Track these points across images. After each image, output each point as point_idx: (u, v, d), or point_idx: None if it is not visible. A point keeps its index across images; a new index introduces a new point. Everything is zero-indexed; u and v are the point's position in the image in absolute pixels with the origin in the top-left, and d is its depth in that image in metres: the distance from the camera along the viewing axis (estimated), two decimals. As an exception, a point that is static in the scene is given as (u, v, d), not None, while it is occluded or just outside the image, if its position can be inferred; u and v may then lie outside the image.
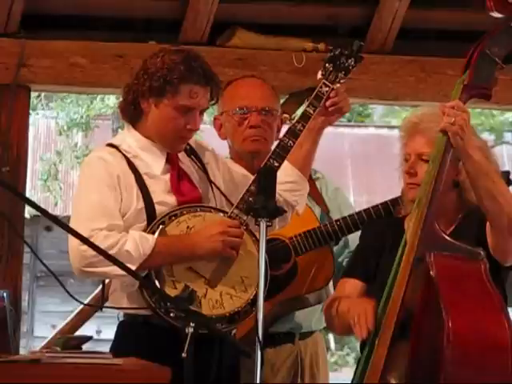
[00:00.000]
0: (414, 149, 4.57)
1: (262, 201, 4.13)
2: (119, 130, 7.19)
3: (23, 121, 7.48)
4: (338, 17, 7.38)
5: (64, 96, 18.13)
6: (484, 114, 20.89)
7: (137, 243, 4.47)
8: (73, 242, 4.41)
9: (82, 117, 19.54)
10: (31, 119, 10.19)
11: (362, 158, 21.72)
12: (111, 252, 4.27)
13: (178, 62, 4.56)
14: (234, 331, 4.60)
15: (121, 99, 4.78)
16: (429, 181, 4.45)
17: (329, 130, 5.24)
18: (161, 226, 4.54)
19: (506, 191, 4.65)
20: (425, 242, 4.38)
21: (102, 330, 7.05)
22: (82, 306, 7.69)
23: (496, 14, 4.57)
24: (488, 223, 4.52)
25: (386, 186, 12.57)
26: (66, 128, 20.40)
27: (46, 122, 22.71)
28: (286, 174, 4.63)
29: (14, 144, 7.27)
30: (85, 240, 4.03)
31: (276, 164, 4.54)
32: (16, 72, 7.12)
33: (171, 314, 4.39)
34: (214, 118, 5.57)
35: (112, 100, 17.47)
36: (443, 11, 7.66)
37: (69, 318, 8.00)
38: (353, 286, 4.74)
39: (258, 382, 4.22)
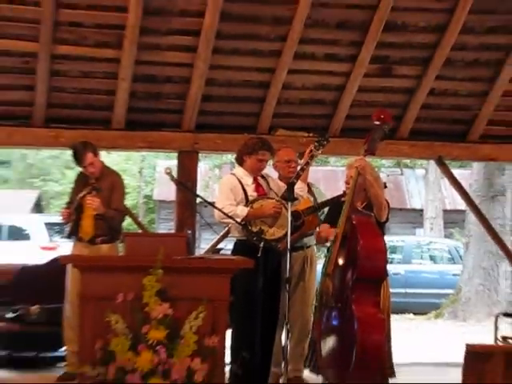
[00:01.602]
0: (348, 174, 8.64)
1: (289, 195, 8.36)
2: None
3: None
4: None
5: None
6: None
7: (241, 210, 8.68)
8: (215, 210, 8.68)
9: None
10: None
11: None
12: (231, 214, 8.60)
13: (257, 142, 8.99)
14: (279, 246, 8.60)
15: (235, 155, 9.24)
16: (352, 187, 8.38)
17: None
18: (250, 204, 8.80)
19: (380, 193, 8.68)
20: (351, 210, 8.34)
21: (223, 247, 9.97)
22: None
23: (376, 122, 8.35)
24: (374, 204, 8.64)
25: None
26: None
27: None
28: (298, 185, 8.80)
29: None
30: (221, 210, 8.53)
31: (295, 181, 8.73)
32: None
33: (254, 238, 8.52)
34: (274, 163, 9.54)
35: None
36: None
37: (213, 241, 11.79)
38: (325, 226, 8.84)
39: (288, 268, 8.10)
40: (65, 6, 10.11)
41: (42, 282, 10.38)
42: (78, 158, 9.36)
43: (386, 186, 9.18)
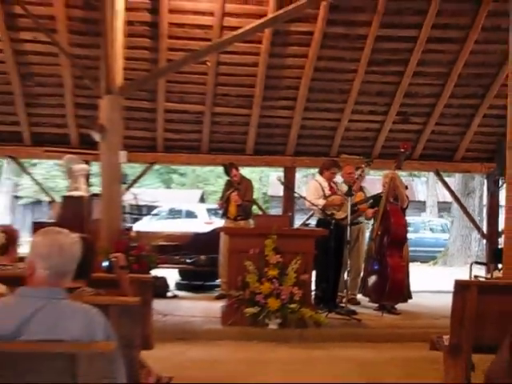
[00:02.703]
0: (384, 180, 8.50)
1: (349, 193, 8.34)
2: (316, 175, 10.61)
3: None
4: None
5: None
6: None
7: (321, 201, 8.46)
8: (306, 201, 8.65)
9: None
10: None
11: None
12: (315, 203, 8.43)
13: (331, 162, 8.84)
14: (343, 222, 8.26)
15: (318, 169, 8.99)
16: (386, 188, 8.35)
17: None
18: (326, 198, 8.57)
19: (403, 191, 8.54)
20: (386, 201, 8.32)
21: (310, 223, 9.81)
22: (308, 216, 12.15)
23: (402, 149, 8.28)
24: (400, 198, 8.55)
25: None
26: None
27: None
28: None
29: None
30: (309, 201, 8.51)
31: (352, 185, 8.46)
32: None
33: (328, 218, 8.29)
34: (341, 174, 9.03)
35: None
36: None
37: (303, 220, 11.40)
38: (370, 210, 8.71)
39: (348, 238, 8.29)
40: (221, 84, 10.19)
41: (206, 242, 10.34)
42: (228, 172, 9.45)
43: (407, 188, 9.13)
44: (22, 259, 5.07)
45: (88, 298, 3.41)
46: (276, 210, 22.25)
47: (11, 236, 4.42)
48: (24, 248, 5.36)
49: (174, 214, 24.23)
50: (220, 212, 10.01)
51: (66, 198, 8.64)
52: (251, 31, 8.46)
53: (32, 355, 2.50)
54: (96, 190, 9.18)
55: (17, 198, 30.90)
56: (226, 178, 9.73)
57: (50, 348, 2.52)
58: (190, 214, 23.51)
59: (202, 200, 31.76)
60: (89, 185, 9.36)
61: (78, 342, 2.54)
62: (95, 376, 2.48)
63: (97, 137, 7.92)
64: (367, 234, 9.28)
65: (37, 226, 8.94)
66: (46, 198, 23.50)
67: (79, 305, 2.70)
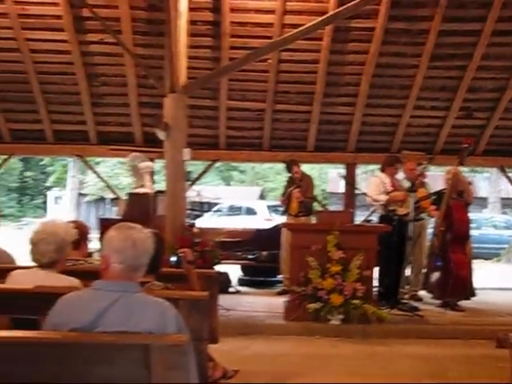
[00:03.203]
0: (446, 176, 8.44)
1: (411, 188, 8.31)
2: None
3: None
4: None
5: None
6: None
7: (383, 197, 8.33)
8: (367, 197, 8.54)
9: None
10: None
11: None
12: (377, 199, 8.39)
13: (394, 158, 8.69)
14: (404, 219, 8.09)
15: (380, 166, 8.82)
16: (450, 184, 8.22)
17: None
18: (388, 194, 8.38)
19: (468, 187, 8.53)
20: (449, 198, 8.19)
21: (372, 219, 9.85)
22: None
23: (465, 145, 8.13)
24: (465, 194, 8.43)
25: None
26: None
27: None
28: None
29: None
30: (371, 197, 8.44)
31: (415, 182, 8.23)
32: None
33: (390, 214, 8.20)
34: (403, 170, 8.85)
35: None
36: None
37: (365, 216, 11.14)
38: (433, 207, 8.58)
39: (410, 234, 8.12)
40: (282, 81, 10.19)
41: (268, 238, 10.33)
42: (289, 169, 9.45)
43: (470, 183, 8.99)
44: (91, 254, 5.24)
45: (158, 292, 3.48)
46: (335, 207, 22.18)
47: (83, 231, 4.54)
48: (93, 243, 5.55)
49: (234, 210, 24.42)
50: (280, 209, 10.01)
51: (131, 194, 8.82)
52: (312, 28, 8.45)
53: (107, 346, 2.59)
54: (160, 187, 9.33)
55: (81, 195, 31.63)
56: (286, 174, 9.73)
57: (125, 339, 2.61)
58: (250, 211, 23.65)
59: (262, 197, 31.87)
60: (153, 182, 9.48)
61: (151, 334, 2.63)
62: (168, 367, 2.55)
63: (161, 135, 8.07)
64: (430, 230, 9.16)
65: (103, 223, 9.23)
66: (110, 196, 24.05)
67: (152, 298, 2.79)
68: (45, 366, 2.57)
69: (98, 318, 2.66)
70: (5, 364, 2.59)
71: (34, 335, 2.71)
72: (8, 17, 9.23)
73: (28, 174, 34.90)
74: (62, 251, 3.79)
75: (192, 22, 8.95)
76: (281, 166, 9.52)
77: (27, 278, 3.75)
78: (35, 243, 3.76)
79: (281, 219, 9.85)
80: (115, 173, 27.97)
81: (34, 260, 3.81)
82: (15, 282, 3.82)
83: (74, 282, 3.74)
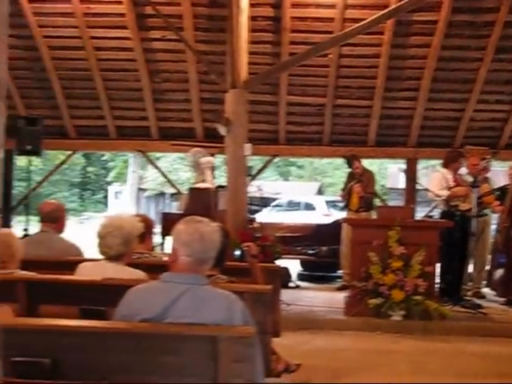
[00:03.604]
0: (510, 172, 8.33)
1: (475, 183, 8.32)
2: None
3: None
4: None
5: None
6: None
7: (445, 192, 8.08)
8: (429, 192, 8.36)
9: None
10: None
11: None
12: (439, 194, 8.12)
13: (457, 154, 8.41)
14: (467, 214, 7.92)
15: (442, 161, 8.62)
16: None
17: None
18: (450, 189, 8.15)
19: None
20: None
21: (434, 214, 9.52)
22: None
23: None
24: None
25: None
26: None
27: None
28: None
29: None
30: (433, 192, 8.37)
31: (478, 177, 8.04)
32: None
33: (453, 209, 8.01)
34: (466, 165, 8.56)
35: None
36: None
37: (427, 211, 10.96)
38: (497, 202, 8.35)
39: (473, 230, 7.97)
40: (342, 76, 10.15)
41: (327, 233, 10.28)
42: (350, 164, 9.40)
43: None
44: (154, 248, 5.32)
45: (222, 285, 3.52)
46: (394, 202, 21.91)
47: (148, 225, 4.62)
48: (156, 238, 5.64)
49: (293, 206, 24.39)
50: (339, 204, 9.96)
51: (192, 189, 8.89)
52: (373, 23, 8.39)
53: (175, 337, 2.65)
54: (221, 182, 9.41)
55: (141, 190, 32.05)
56: (346, 170, 9.65)
57: (193, 331, 2.66)
58: (309, 206, 23.60)
59: (320, 192, 31.73)
60: (214, 177, 9.56)
61: (218, 326, 2.67)
62: (234, 359, 2.58)
63: (222, 130, 8.14)
64: (493, 227, 8.99)
65: (165, 217, 9.38)
66: (170, 190, 24.29)
67: (219, 290, 2.84)
68: (114, 356, 2.64)
69: (166, 310, 2.71)
70: (75, 352, 2.67)
71: (103, 325, 2.79)
72: (74, 16, 9.47)
73: (90, 169, 35.53)
74: (128, 244, 3.87)
75: (253, 18, 8.96)
76: (340, 161, 9.47)
77: (95, 270, 3.85)
78: (102, 236, 3.84)
79: (339, 214, 9.77)
80: (174, 168, 28.22)
81: (102, 253, 3.90)
82: (83, 274, 3.93)
83: (139, 274, 3.82)
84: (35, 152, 9.21)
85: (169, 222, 7.56)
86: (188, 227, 2.81)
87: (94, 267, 3.91)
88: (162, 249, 8.27)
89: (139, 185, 31.71)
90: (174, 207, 19.36)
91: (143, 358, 2.63)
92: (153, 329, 2.70)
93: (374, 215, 9.04)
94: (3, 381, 1.63)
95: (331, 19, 9.30)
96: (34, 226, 6.06)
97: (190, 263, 2.79)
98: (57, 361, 2.63)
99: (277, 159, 13.82)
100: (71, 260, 4.50)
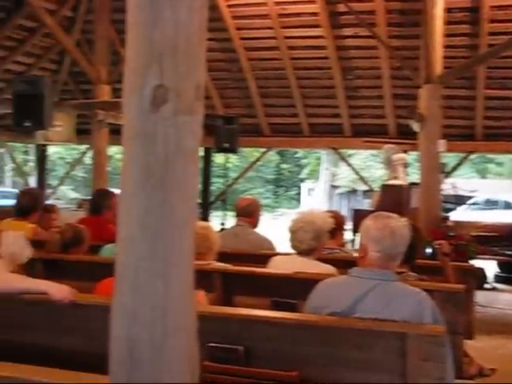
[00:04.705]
0: None
1: None
2: None
3: None
4: None
5: None
6: None
7: None
8: None
9: None
10: None
11: None
12: None
13: None
14: None
15: None
16: None
17: None
18: None
19: None
20: None
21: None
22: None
23: None
24: None
25: None
26: None
27: None
28: None
29: None
30: None
31: None
32: None
33: None
34: None
35: None
36: None
37: None
38: None
39: None
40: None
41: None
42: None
43: None
44: (345, 244, 5.36)
45: (412, 282, 3.46)
46: None
47: (339, 221, 4.66)
48: (347, 234, 5.67)
49: (491, 204, 23.31)
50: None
51: (385, 186, 8.84)
52: None
53: (364, 332, 2.66)
54: (414, 179, 9.25)
55: (333, 187, 32.24)
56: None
57: (381, 326, 2.65)
58: (508, 205, 22.44)
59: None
60: (407, 174, 9.42)
61: (407, 323, 2.64)
62: (424, 358, 2.54)
63: (415, 126, 8.01)
64: None
65: (356, 214, 9.39)
66: (363, 188, 24.23)
67: (409, 287, 2.81)
68: (302, 347, 2.70)
69: (355, 304, 2.74)
70: (266, 342, 2.76)
71: (293, 317, 2.85)
72: (269, 17, 9.75)
73: (284, 166, 36.31)
74: (319, 239, 3.92)
75: (448, 10, 8.67)
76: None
77: (286, 264, 3.96)
78: (294, 231, 3.92)
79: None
80: (367, 165, 28.11)
81: (293, 247, 3.98)
82: (275, 267, 4.05)
83: (330, 269, 3.87)
84: (232, 149, 9.60)
85: (360, 219, 7.44)
86: (377, 223, 2.82)
87: (286, 261, 4.02)
88: (353, 245, 8.25)
89: (332, 182, 31.93)
90: (366, 204, 19.31)
91: (331, 352, 2.67)
92: (341, 323, 2.73)
93: None
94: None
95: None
96: (231, 221, 6.25)
97: (380, 259, 2.78)
98: (249, 349, 2.74)
99: (473, 156, 13.25)
100: (264, 253, 4.65)
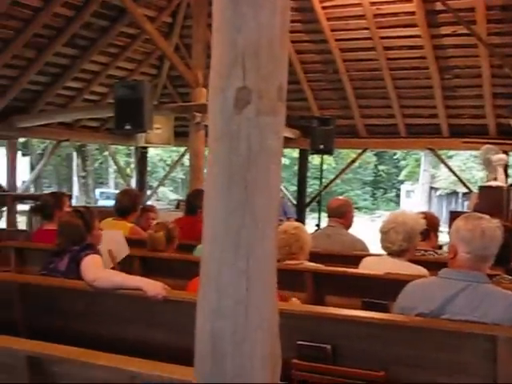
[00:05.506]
0: None
1: None
2: None
3: None
4: None
5: None
6: None
7: None
8: None
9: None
10: None
11: None
12: None
13: None
14: None
15: None
16: None
17: None
18: None
19: None
20: None
21: None
22: None
23: None
24: None
25: None
26: None
27: None
28: None
29: None
30: None
31: None
32: None
33: None
34: None
35: None
36: None
37: None
38: None
39: None
40: None
41: None
42: None
43: None
44: (441, 247, 5.25)
45: (506, 285, 3.37)
46: None
47: (432, 223, 4.59)
48: (443, 236, 5.55)
49: None
50: None
51: (483, 188, 8.57)
52: None
53: (453, 334, 2.62)
54: (514, 180, 8.95)
55: (433, 189, 31.63)
56: None
57: (471, 328, 2.61)
58: None
59: None
60: (507, 175, 9.12)
61: (498, 325, 2.60)
62: (516, 361, 2.49)
63: (516, 126, 7.73)
64: None
65: (454, 216, 9.09)
66: (463, 190, 23.64)
67: (501, 290, 2.76)
68: (391, 348, 2.71)
69: (444, 306, 2.71)
70: (355, 341, 2.79)
71: (382, 317, 2.84)
72: (364, 18, 9.69)
73: (381, 167, 35.96)
74: (410, 240, 3.89)
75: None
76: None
77: (377, 264, 3.96)
78: (385, 232, 3.91)
79: None
80: (467, 166, 27.43)
81: (384, 248, 3.97)
82: (367, 267, 4.06)
83: (421, 271, 3.83)
84: (328, 151, 9.68)
85: (458, 221, 7.43)
86: (468, 224, 2.78)
87: (377, 262, 4.02)
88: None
89: (431, 183, 31.38)
90: (466, 206, 18.84)
91: (419, 353, 2.67)
92: (430, 324, 2.72)
93: None
94: (284, 361, 1.77)
95: None
96: (326, 222, 6.28)
97: (470, 260, 2.75)
98: (337, 347, 2.76)
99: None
100: (356, 254, 4.66)
